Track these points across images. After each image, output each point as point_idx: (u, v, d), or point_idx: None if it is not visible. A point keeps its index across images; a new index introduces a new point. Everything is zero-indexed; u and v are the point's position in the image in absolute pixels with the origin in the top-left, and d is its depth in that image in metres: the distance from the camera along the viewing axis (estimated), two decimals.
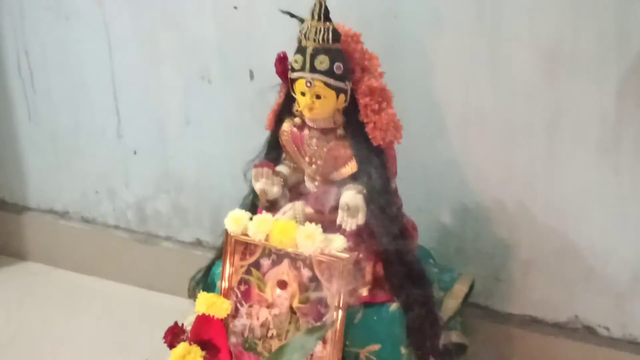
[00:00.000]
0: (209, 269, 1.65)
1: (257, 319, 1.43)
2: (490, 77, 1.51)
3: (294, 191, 1.51)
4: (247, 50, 1.76)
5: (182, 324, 1.48)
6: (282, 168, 1.48)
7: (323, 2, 1.33)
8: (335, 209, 1.39)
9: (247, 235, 1.40)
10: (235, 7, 1.71)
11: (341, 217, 1.36)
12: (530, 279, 1.64)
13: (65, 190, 2.14)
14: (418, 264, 1.45)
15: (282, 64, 1.41)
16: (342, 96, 1.36)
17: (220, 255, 1.58)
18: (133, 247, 2.07)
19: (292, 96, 1.40)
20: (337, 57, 1.35)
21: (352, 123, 1.39)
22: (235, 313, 1.45)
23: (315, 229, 1.34)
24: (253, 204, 1.53)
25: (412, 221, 1.48)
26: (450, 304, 1.50)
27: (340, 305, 1.33)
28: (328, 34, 1.33)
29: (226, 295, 1.46)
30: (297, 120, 1.45)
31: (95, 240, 2.12)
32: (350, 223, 1.36)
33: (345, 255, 1.33)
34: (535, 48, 1.47)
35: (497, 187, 1.59)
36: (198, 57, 1.82)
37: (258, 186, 1.45)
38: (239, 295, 1.45)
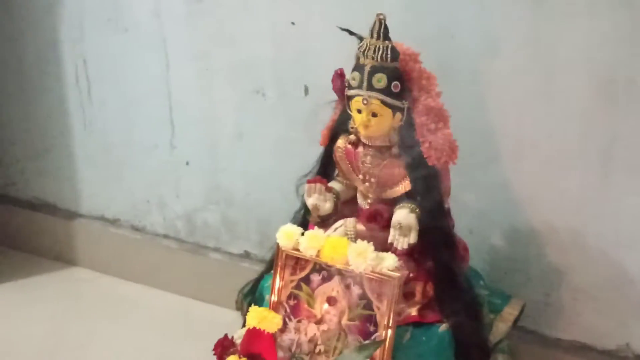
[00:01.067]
0: (257, 282, 1.64)
1: (305, 334, 1.41)
2: (545, 101, 1.48)
3: (347, 208, 1.49)
4: (303, 66, 1.76)
5: (232, 337, 1.47)
6: (334, 184, 1.47)
7: (383, 21, 1.33)
8: (387, 227, 1.38)
9: (298, 250, 1.39)
10: (292, 23, 1.71)
11: (393, 236, 1.34)
12: (580, 305, 1.60)
13: (116, 198, 2.15)
14: (468, 285, 1.42)
15: (339, 80, 1.41)
16: (398, 115, 1.34)
17: (269, 268, 1.58)
18: (181, 257, 2.07)
19: (348, 112, 1.39)
20: (395, 75, 1.33)
21: (407, 142, 1.37)
22: (283, 327, 1.44)
23: (366, 246, 1.33)
24: (304, 219, 1.52)
25: (463, 242, 1.46)
26: (499, 327, 1.47)
27: (390, 324, 1.31)
28: (387, 52, 1.32)
29: (275, 309, 1.45)
30: (352, 137, 1.44)
31: (145, 249, 2.12)
32: (402, 242, 1.34)
33: (396, 274, 1.31)
34: (591, 73, 1.44)
35: (549, 211, 1.55)
36: (253, 72, 1.83)
37: (310, 201, 1.44)
38: (288, 309, 1.45)
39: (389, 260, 1.32)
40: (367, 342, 1.36)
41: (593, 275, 1.54)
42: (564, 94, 1.46)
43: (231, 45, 1.83)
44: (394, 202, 1.43)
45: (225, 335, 1.47)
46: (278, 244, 1.42)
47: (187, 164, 1.99)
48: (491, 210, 1.59)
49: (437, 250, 1.38)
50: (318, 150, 1.52)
